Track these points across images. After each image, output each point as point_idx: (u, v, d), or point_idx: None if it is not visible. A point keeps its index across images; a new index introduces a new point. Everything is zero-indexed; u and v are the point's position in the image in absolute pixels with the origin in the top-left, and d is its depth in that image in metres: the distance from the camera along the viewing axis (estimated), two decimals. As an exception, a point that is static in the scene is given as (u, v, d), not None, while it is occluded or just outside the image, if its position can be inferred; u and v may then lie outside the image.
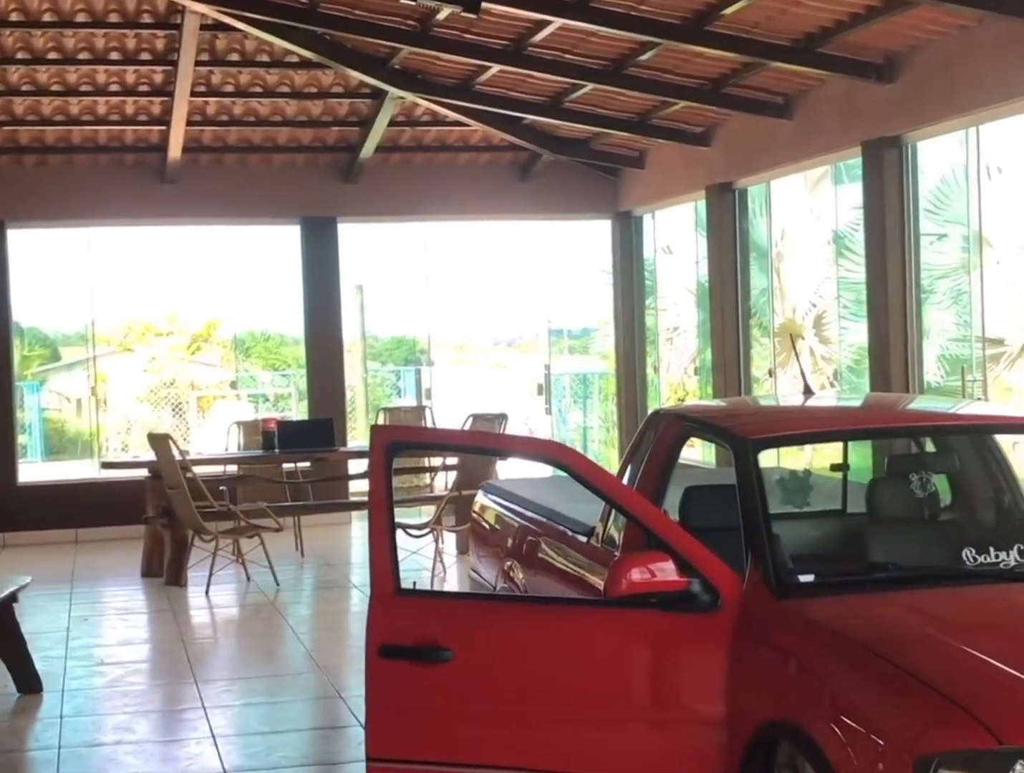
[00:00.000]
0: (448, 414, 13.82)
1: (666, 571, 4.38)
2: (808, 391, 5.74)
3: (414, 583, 4.73)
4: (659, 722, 4.41)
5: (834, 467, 5.84)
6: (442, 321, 24.36)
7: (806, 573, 4.51)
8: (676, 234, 15.09)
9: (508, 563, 6.48)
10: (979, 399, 9.24)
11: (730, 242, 12.64)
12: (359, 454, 12.46)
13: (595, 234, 15.99)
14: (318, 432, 12.48)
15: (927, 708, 3.57)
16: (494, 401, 14.44)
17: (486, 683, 4.53)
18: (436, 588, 10.39)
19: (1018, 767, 3.35)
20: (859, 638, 3.99)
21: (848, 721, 3.76)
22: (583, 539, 5.73)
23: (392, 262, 21.77)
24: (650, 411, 5.84)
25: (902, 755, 3.53)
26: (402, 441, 4.85)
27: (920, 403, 6.58)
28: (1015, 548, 4.43)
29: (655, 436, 5.46)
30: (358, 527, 13.87)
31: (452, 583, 10.82)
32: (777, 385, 12.38)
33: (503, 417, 11.30)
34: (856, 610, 4.23)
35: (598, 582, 5.46)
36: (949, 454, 5.34)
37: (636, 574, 4.36)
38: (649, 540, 5.05)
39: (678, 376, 16.23)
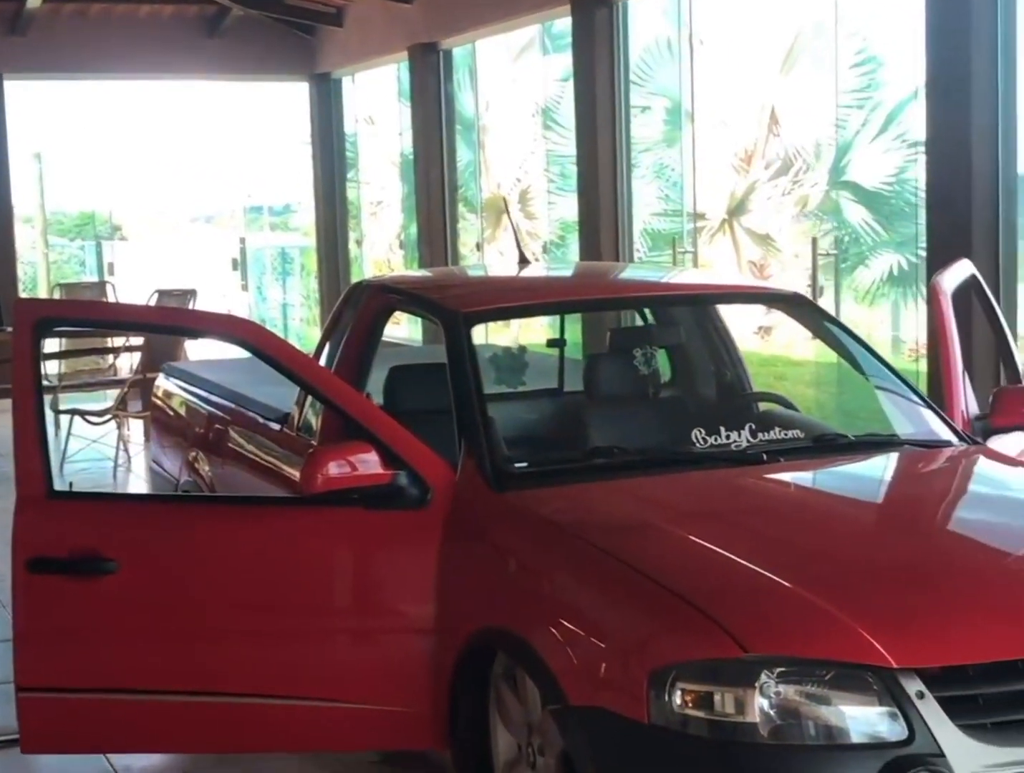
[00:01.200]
0: (135, 291, 12.84)
1: (368, 463, 3.81)
2: (524, 261, 5.23)
3: (70, 484, 4.03)
4: (362, 633, 3.88)
5: (551, 343, 5.36)
6: (133, 194, 22.98)
7: (525, 461, 4.02)
8: (378, 103, 14.36)
9: (193, 454, 5.79)
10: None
11: (435, 110, 12.03)
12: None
13: (293, 100, 15.10)
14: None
15: (662, 612, 3.14)
16: (187, 278, 13.51)
17: (158, 598, 3.89)
18: (117, 481, 9.60)
19: (764, 677, 2.95)
20: (583, 533, 3.53)
21: (571, 627, 3.30)
22: (276, 427, 5.11)
23: (75, 128, 20.24)
24: (349, 286, 5.21)
25: (634, 667, 3.08)
26: (53, 317, 4.08)
27: (638, 272, 6.17)
28: (746, 428, 4.04)
29: (356, 311, 4.85)
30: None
31: (137, 474, 10.00)
32: (485, 259, 11.94)
33: (192, 293, 10.46)
34: (580, 501, 3.77)
35: (295, 474, 4.87)
36: (675, 327, 4.92)
37: (334, 468, 3.77)
38: (349, 429, 4.51)
39: (383, 252, 15.61)
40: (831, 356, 6.03)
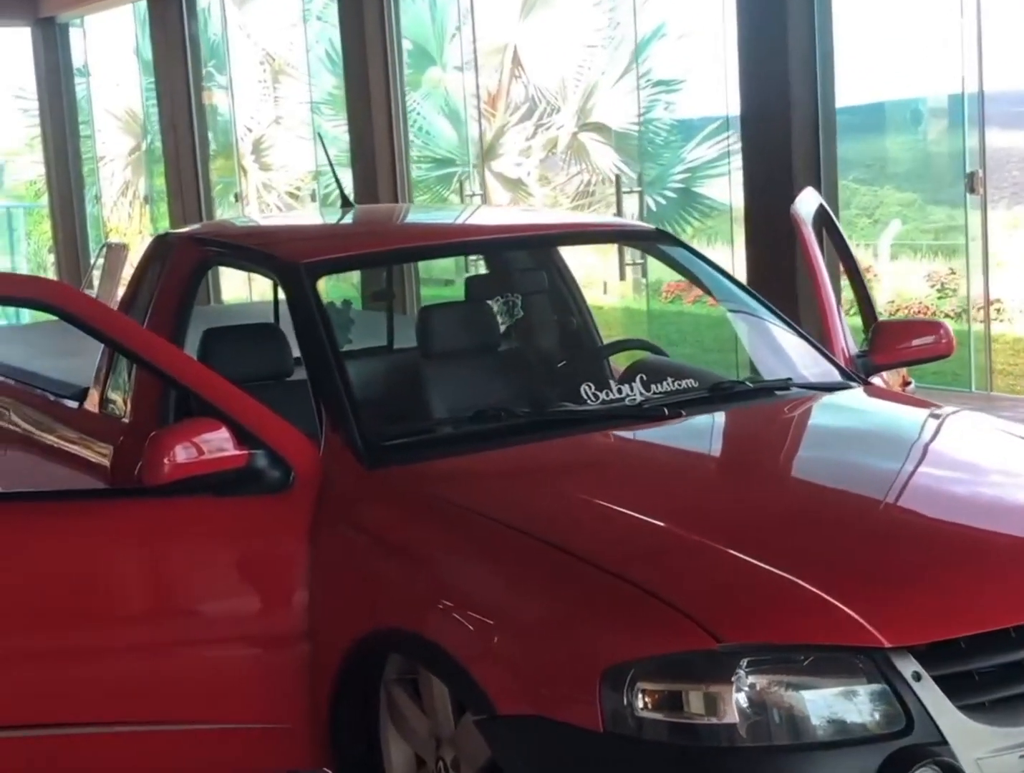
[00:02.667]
0: None
1: (219, 444, 3.24)
2: (347, 204, 4.68)
3: None
4: (222, 642, 3.31)
5: (376, 296, 4.83)
6: None
7: (396, 432, 3.52)
8: (112, 47, 13.38)
9: (-37, 438, 5.05)
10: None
11: (179, 52, 11.20)
12: None
13: (11, 47, 13.93)
14: None
15: (608, 600, 2.68)
16: None
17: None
18: None
19: (740, 670, 2.55)
20: (488, 511, 3.05)
21: (490, 623, 2.82)
22: (73, 404, 4.44)
23: None
24: (151, 239, 4.56)
25: (581, 667, 2.63)
26: None
27: (479, 213, 5.65)
28: (638, 380, 3.62)
29: (164, 269, 4.22)
30: None
31: None
32: (246, 211, 11.22)
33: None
34: (473, 474, 3.29)
35: (99, 459, 4.23)
36: (537, 272, 4.45)
37: (181, 453, 3.19)
38: (182, 405, 3.93)
39: (126, 208, 14.61)
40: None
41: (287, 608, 3.29)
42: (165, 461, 3.17)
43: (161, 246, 4.38)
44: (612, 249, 9.46)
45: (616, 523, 2.98)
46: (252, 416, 3.33)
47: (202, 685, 3.33)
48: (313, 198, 11.68)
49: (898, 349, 4.14)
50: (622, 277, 10.26)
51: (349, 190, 13.11)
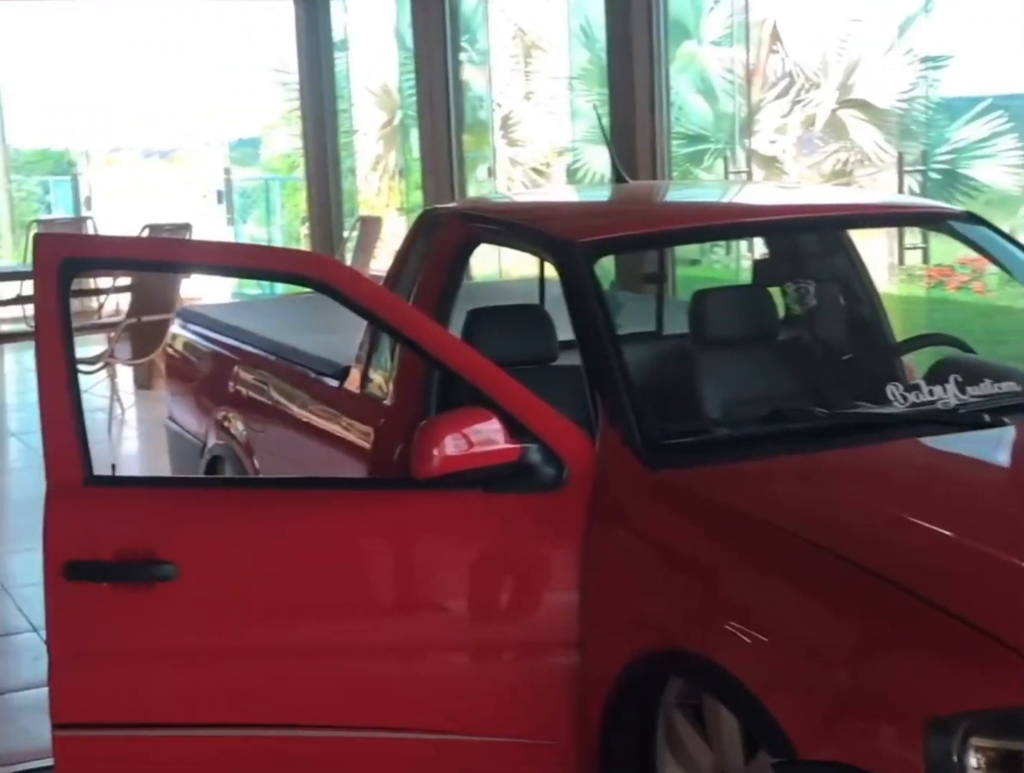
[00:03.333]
0: (117, 227, 11.91)
1: (491, 436, 3.01)
2: (621, 181, 4.41)
3: (112, 466, 3.21)
4: (487, 648, 3.10)
5: (649, 278, 4.54)
6: (96, 127, 21.88)
7: (679, 430, 3.22)
8: (371, 22, 13.42)
9: (223, 413, 4.98)
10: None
11: (439, 27, 11.09)
12: (10, 275, 10.55)
13: (273, 21, 14.13)
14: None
15: (939, 639, 2.35)
16: (163, 213, 12.56)
17: (230, 610, 3.10)
18: (112, 436, 8.73)
19: None
20: (792, 526, 2.74)
21: (794, 655, 2.53)
22: (333, 383, 4.30)
23: (32, 58, 19.17)
24: (419, 215, 4.36)
25: (902, 714, 2.32)
26: (83, 257, 3.24)
27: (757, 190, 5.28)
28: (951, 381, 3.25)
29: (430, 246, 4.03)
30: (11, 360, 11.89)
31: (132, 427, 9.16)
32: (498, 187, 11.06)
33: (186, 228, 9.56)
34: (770, 482, 2.98)
35: (360, 441, 4.07)
36: (829, 257, 4.08)
37: (452, 445, 2.97)
38: (436, 389, 3.74)
39: (376, 181, 14.66)
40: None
41: (556, 614, 3.04)
42: (435, 453, 2.95)
43: (428, 222, 4.19)
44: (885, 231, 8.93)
45: (940, 547, 2.63)
46: (526, 406, 3.09)
47: (459, 693, 3.11)
48: (567, 174, 11.46)
49: None
50: (901, 262, 9.68)
51: (605, 167, 12.89)
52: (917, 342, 4.10)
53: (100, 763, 3.15)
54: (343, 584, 3.13)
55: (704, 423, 3.42)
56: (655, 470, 3.02)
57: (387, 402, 3.95)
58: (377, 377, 4.06)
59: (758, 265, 4.15)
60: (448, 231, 4.01)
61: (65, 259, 3.10)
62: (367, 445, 3.99)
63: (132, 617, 3.07)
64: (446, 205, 4.76)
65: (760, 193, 4.89)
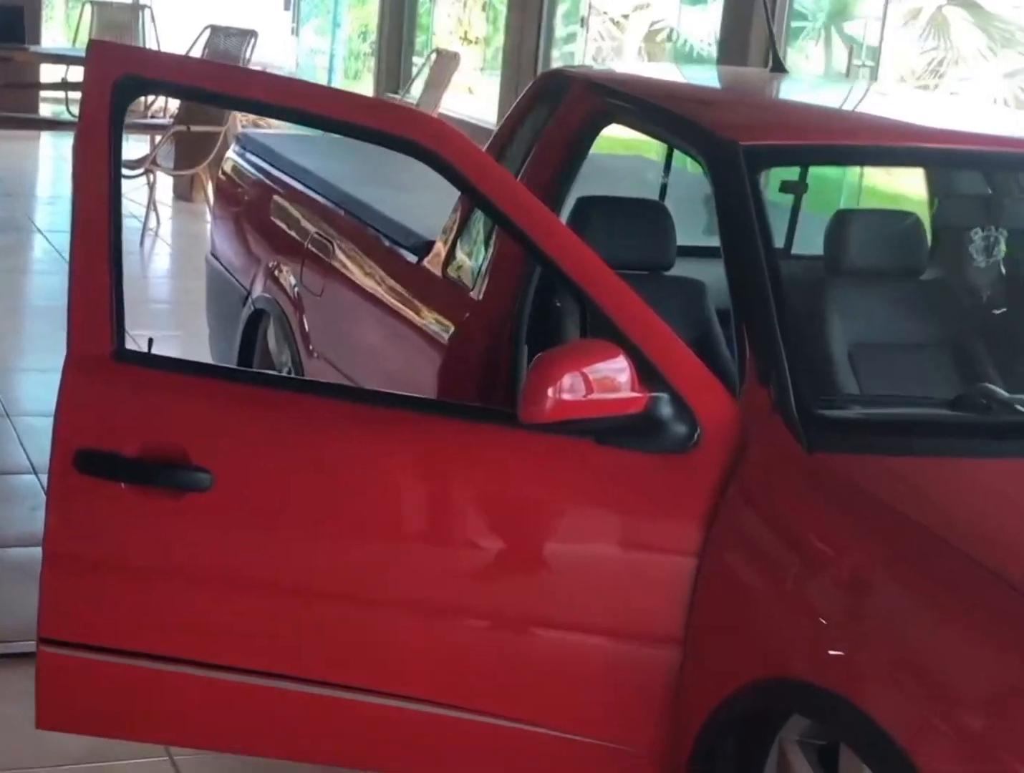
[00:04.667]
0: (176, 26, 11.17)
1: (616, 379, 2.43)
2: (779, 68, 3.75)
3: (150, 340, 2.64)
4: (573, 630, 2.55)
5: (785, 188, 3.89)
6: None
7: (840, 402, 2.63)
8: None
9: (275, 262, 4.38)
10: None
11: None
12: (56, 58, 9.89)
13: None
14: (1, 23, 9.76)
15: None
16: (226, 14, 11.77)
17: (270, 536, 2.55)
18: (144, 250, 8.14)
19: None
20: (997, 564, 2.15)
21: (976, 724, 1.99)
22: (410, 258, 3.69)
23: None
24: (539, 74, 3.71)
25: None
26: (143, 78, 2.60)
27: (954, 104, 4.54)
28: None
29: (551, 115, 3.39)
30: (48, 146, 11.26)
31: (166, 241, 8.56)
32: (588, 36, 10.26)
33: (252, 34, 8.86)
34: (966, 493, 2.40)
35: (436, 332, 3.48)
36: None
37: (568, 387, 2.38)
38: (533, 290, 3.18)
39: (456, 9, 13.81)
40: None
41: (662, 602, 2.50)
42: (550, 394, 2.37)
43: (551, 85, 3.53)
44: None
45: None
46: (662, 346, 2.51)
47: (550, 680, 2.58)
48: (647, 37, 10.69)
49: None
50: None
51: (693, 31, 12.03)
52: None
53: (88, 691, 2.64)
54: (411, 526, 2.58)
55: (866, 395, 2.81)
56: (812, 452, 2.43)
57: (475, 294, 3.35)
58: (465, 261, 3.46)
59: (943, 202, 3.48)
60: (574, 101, 3.36)
61: (124, 77, 2.49)
62: (443, 340, 3.40)
63: (149, 527, 2.53)
64: (574, 68, 4.07)
65: (952, 109, 4.14)
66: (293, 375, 4.04)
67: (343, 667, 2.60)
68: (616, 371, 2.42)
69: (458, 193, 3.13)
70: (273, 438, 2.54)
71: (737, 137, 2.87)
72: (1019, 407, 2.54)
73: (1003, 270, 3.26)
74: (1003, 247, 3.16)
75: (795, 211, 3.97)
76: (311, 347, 4.06)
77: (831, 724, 2.28)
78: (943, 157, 3.06)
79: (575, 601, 2.55)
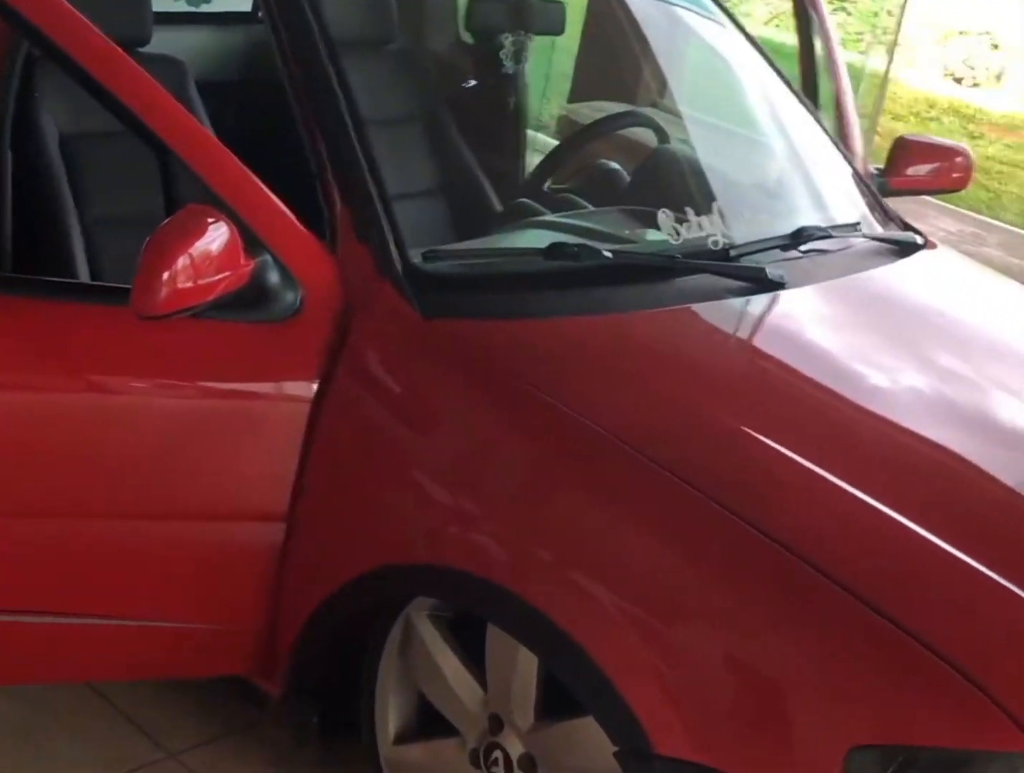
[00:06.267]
0: None
1: (223, 252, 2.12)
2: None
3: None
4: (174, 518, 2.32)
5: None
6: None
7: (443, 257, 2.44)
8: None
9: None
10: None
11: None
12: None
13: None
14: None
15: (858, 640, 1.89)
16: None
17: None
18: None
19: None
20: (630, 439, 2.12)
21: (652, 621, 1.99)
22: None
23: None
24: None
25: (812, 733, 1.88)
26: None
27: None
28: (715, 208, 2.71)
29: None
30: None
31: None
32: None
33: None
34: (576, 358, 2.34)
35: None
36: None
37: (181, 271, 2.04)
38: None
39: None
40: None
41: (266, 480, 2.32)
42: (164, 282, 2.03)
43: None
44: None
45: (847, 506, 2.11)
46: (253, 200, 2.24)
47: (138, 570, 2.36)
48: None
49: (914, 175, 3.45)
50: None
51: None
52: (612, 123, 3.41)
53: None
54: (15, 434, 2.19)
55: (467, 248, 2.62)
56: (429, 318, 2.29)
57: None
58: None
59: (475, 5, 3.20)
60: None
61: None
62: None
63: None
64: None
65: None
66: None
67: None
68: (222, 244, 2.12)
69: None
70: None
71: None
72: (606, 253, 2.50)
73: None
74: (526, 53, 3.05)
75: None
76: None
77: (468, 602, 2.24)
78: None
79: (189, 489, 2.31)
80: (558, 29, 3.27)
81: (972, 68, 12.49)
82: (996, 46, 12.63)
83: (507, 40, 3.03)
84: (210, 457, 2.30)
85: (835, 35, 3.70)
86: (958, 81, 12.44)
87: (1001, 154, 9.41)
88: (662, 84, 3.39)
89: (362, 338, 2.28)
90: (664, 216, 2.64)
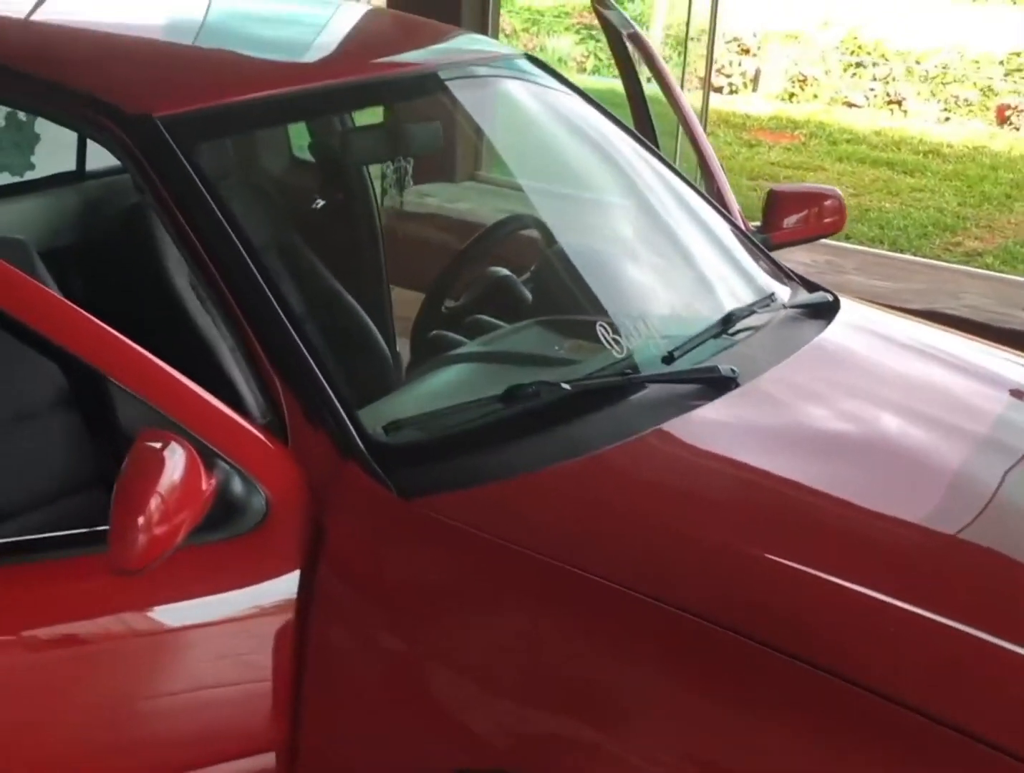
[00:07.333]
0: None
1: (185, 479, 1.91)
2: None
3: None
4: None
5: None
6: None
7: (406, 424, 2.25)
8: None
9: None
10: None
11: None
12: None
13: None
14: None
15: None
16: None
17: None
18: None
19: None
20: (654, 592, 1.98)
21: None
22: None
23: None
24: None
25: None
26: None
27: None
28: (638, 320, 2.58)
29: None
30: None
31: None
32: None
33: None
34: (567, 508, 2.19)
35: None
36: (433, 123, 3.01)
37: (156, 511, 1.83)
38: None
39: None
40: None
41: (255, 706, 2.11)
42: (140, 535, 1.81)
43: None
44: None
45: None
46: (201, 411, 2.04)
47: None
48: None
49: (793, 227, 3.41)
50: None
51: None
52: (505, 227, 3.23)
53: None
54: None
55: (426, 413, 2.39)
56: (409, 499, 2.11)
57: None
58: None
59: (346, 135, 2.97)
60: None
61: None
62: None
63: None
64: None
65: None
66: None
67: None
68: (183, 469, 1.91)
69: None
70: None
71: (152, 108, 2.31)
72: (564, 385, 2.36)
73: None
74: (412, 177, 2.88)
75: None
76: None
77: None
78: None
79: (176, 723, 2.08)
80: (438, 146, 3.09)
81: (728, 76, 12.78)
82: (746, 50, 12.95)
83: (388, 169, 2.86)
84: (204, 695, 2.08)
85: (673, 79, 3.56)
86: (718, 91, 12.70)
87: (784, 159, 9.61)
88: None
89: (341, 531, 2.09)
90: (602, 330, 2.52)
